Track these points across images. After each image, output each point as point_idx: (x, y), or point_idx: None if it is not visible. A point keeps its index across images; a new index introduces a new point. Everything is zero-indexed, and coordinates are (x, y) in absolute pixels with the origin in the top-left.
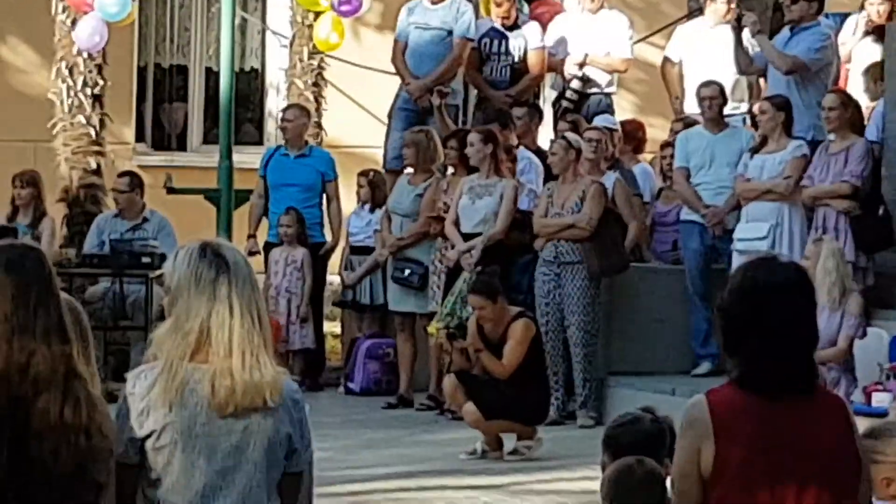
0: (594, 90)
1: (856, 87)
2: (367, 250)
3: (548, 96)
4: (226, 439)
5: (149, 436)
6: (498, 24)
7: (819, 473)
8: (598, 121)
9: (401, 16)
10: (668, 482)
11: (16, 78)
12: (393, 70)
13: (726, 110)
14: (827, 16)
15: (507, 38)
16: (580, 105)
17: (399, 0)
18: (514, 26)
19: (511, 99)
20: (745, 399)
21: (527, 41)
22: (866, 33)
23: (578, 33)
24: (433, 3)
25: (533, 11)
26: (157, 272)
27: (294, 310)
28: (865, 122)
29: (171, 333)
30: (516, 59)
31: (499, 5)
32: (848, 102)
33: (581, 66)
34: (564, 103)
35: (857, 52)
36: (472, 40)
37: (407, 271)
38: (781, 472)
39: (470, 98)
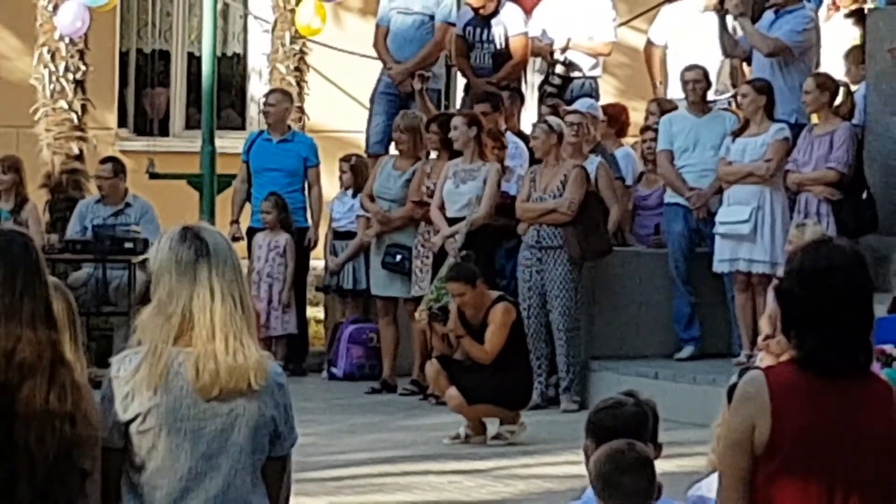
0: (577, 74)
1: (828, 67)
2: (349, 235)
3: (534, 81)
4: (211, 423)
5: (133, 419)
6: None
7: (871, 454)
8: (580, 105)
9: (382, 0)
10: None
11: None
12: (375, 55)
13: (710, 95)
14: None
15: (489, 26)
16: (564, 89)
17: None
18: (495, 13)
19: (493, 87)
20: (803, 378)
21: (507, 28)
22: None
23: (562, 16)
24: None
25: None
26: (141, 257)
27: (276, 295)
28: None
29: (154, 317)
30: (498, 46)
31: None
32: (827, 85)
33: (564, 50)
34: (549, 88)
35: (826, 33)
36: (453, 25)
37: (398, 257)
38: (835, 451)
39: (459, 84)
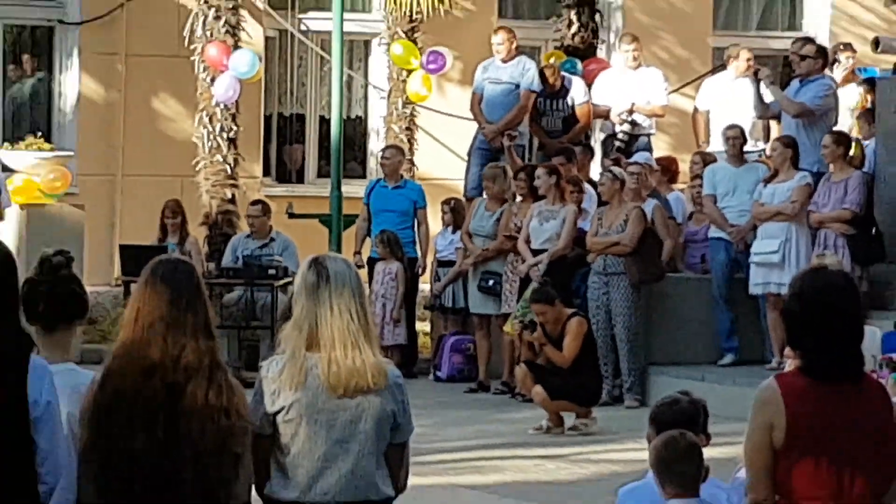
0: (639, 132)
1: (843, 125)
2: (450, 263)
3: (598, 137)
4: (342, 414)
5: (279, 411)
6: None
7: (868, 444)
8: (638, 157)
9: (477, 73)
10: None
11: (165, 125)
12: (471, 117)
13: (746, 148)
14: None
15: (558, 98)
16: (630, 144)
17: (476, 59)
18: (563, 87)
19: (563, 145)
20: (808, 383)
21: (574, 98)
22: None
23: (623, 86)
24: (503, 61)
25: (585, 67)
26: (282, 281)
27: (389, 312)
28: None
29: (292, 330)
30: (567, 113)
31: (552, 73)
32: (842, 141)
33: (630, 112)
34: (617, 143)
35: (842, 97)
36: (535, 92)
37: (491, 281)
38: (838, 443)
39: (534, 139)
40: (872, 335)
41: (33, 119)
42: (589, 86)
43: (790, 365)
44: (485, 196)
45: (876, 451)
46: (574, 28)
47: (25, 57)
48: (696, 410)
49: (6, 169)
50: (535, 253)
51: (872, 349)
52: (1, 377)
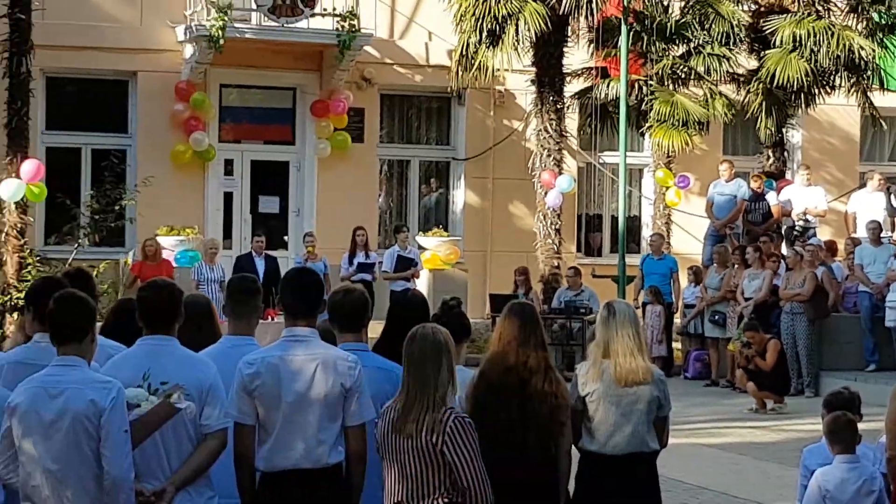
0: (810, 225)
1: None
2: (692, 306)
3: (783, 227)
4: (625, 398)
5: (587, 395)
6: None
7: None
8: (812, 241)
9: (710, 188)
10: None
11: (516, 221)
12: (705, 216)
13: (882, 236)
14: None
15: (760, 200)
16: (804, 233)
17: (708, 179)
18: (762, 193)
19: (763, 232)
20: None
21: (769, 202)
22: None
23: (800, 196)
24: (726, 181)
25: (777, 183)
26: (589, 317)
27: (655, 336)
28: None
29: (594, 346)
30: (765, 210)
31: (757, 187)
32: None
33: (804, 213)
34: (795, 232)
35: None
36: (746, 200)
37: (717, 317)
38: None
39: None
40: None
41: (437, 218)
42: (778, 195)
43: None
44: (715, 264)
45: None
46: (771, 160)
47: (432, 180)
48: (853, 399)
49: (420, 247)
50: (747, 300)
51: None
52: None
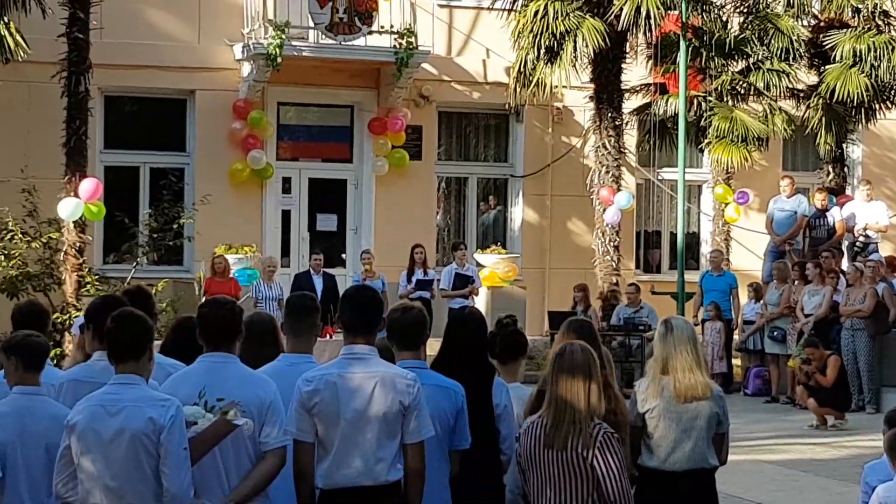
0: (871, 241)
1: None
2: (751, 322)
3: (845, 243)
4: (684, 414)
5: (646, 411)
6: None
7: None
8: (873, 256)
9: (770, 204)
10: None
11: (574, 238)
12: (765, 232)
13: None
14: None
15: (823, 217)
16: (865, 248)
17: (767, 195)
18: (825, 210)
19: (827, 248)
20: None
21: (833, 218)
22: None
23: (861, 212)
24: (787, 197)
25: (839, 199)
26: (648, 333)
27: (715, 352)
28: None
29: (653, 362)
30: (829, 226)
31: (821, 203)
32: None
33: (865, 228)
34: (857, 248)
35: None
36: (807, 216)
37: (776, 333)
38: None
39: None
40: None
41: (495, 235)
42: (842, 210)
43: None
44: (774, 280)
45: None
46: (832, 175)
47: (490, 197)
48: None
49: (479, 264)
50: (807, 316)
51: None
52: (482, 392)
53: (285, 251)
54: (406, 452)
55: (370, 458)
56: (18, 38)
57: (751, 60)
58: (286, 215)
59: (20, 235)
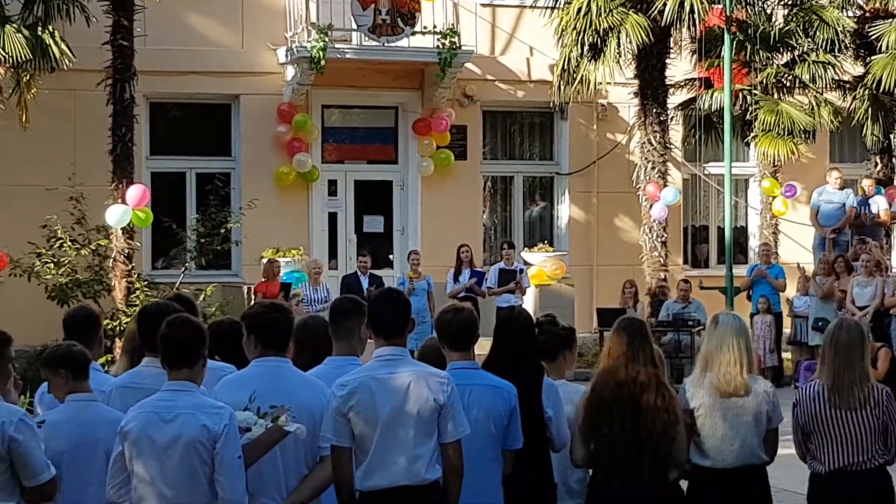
0: None
1: None
2: (802, 316)
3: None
4: (731, 410)
5: (694, 408)
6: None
7: None
8: None
9: (814, 196)
10: None
11: (621, 234)
12: (810, 224)
13: None
14: None
15: (869, 205)
16: None
17: (816, 187)
18: (870, 196)
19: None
20: None
21: (878, 205)
22: None
23: None
24: (838, 189)
25: (886, 190)
26: (697, 328)
27: (766, 346)
28: None
29: (701, 358)
30: (873, 213)
31: (868, 188)
32: None
33: None
34: None
35: None
36: (855, 208)
37: (820, 323)
38: None
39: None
40: None
41: (541, 232)
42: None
43: None
44: (820, 274)
45: None
46: (879, 166)
47: (536, 195)
48: None
49: (526, 263)
50: (861, 309)
51: None
52: (532, 391)
53: (332, 253)
54: (444, 451)
55: (409, 456)
56: (63, 46)
57: (796, 53)
58: (333, 218)
59: (69, 243)
